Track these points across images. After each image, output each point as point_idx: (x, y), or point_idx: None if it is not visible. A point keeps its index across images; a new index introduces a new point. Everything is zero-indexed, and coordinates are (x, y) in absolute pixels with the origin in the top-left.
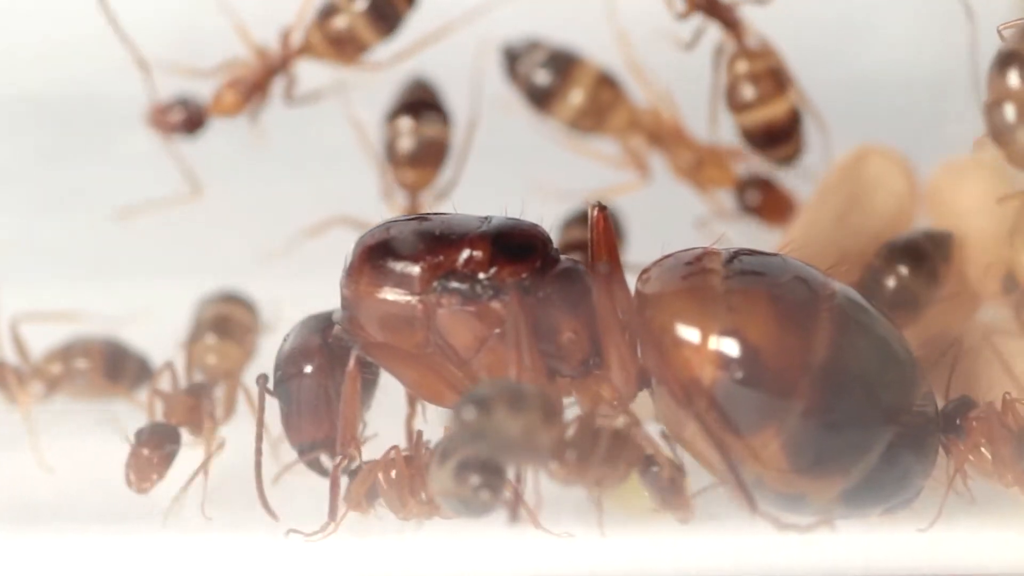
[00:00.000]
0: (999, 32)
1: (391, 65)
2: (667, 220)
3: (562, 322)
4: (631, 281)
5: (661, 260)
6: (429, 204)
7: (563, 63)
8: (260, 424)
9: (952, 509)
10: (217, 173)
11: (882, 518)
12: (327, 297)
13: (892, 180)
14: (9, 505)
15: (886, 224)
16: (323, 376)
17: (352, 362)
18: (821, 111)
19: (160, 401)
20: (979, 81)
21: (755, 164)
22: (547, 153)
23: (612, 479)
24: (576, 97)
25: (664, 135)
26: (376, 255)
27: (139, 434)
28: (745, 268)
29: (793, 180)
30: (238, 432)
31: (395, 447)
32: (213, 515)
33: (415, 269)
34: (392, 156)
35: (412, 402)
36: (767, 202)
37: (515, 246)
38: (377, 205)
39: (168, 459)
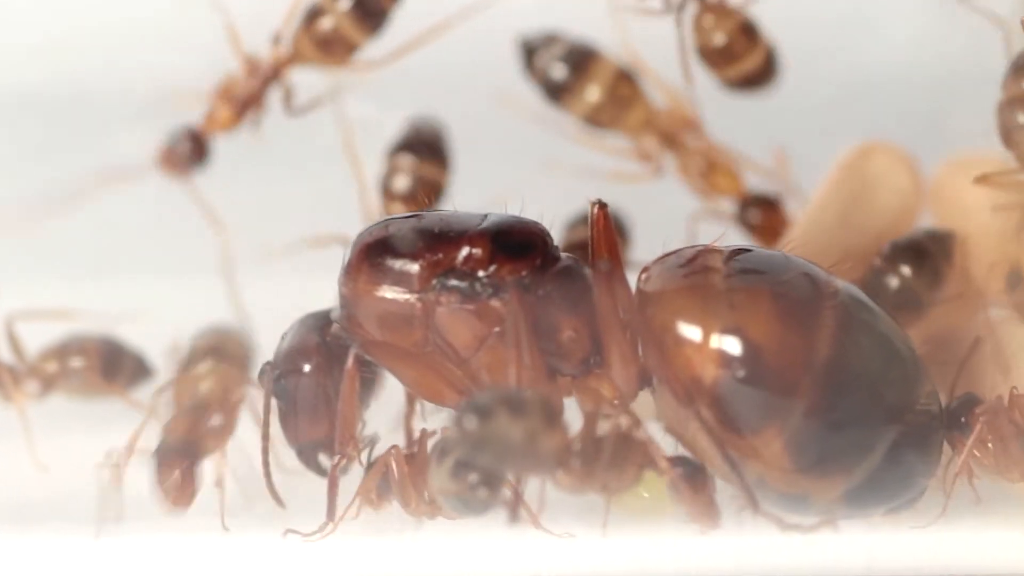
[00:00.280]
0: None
1: (383, 65)
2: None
3: (562, 320)
4: (632, 279)
5: (662, 258)
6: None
7: (581, 58)
8: (267, 411)
9: (957, 508)
10: (216, 172)
11: (885, 518)
12: (326, 295)
13: (896, 177)
14: (3, 505)
15: (890, 221)
16: (321, 375)
17: (350, 361)
18: (824, 108)
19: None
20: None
21: (763, 180)
22: (547, 151)
23: (621, 483)
24: (593, 93)
25: (679, 136)
26: (374, 253)
27: (159, 454)
28: (747, 266)
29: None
30: (238, 432)
31: (395, 446)
32: (211, 515)
33: (414, 267)
34: (386, 189)
35: (411, 401)
36: (766, 223)
37: (515, 244)
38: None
39: (196, 472)
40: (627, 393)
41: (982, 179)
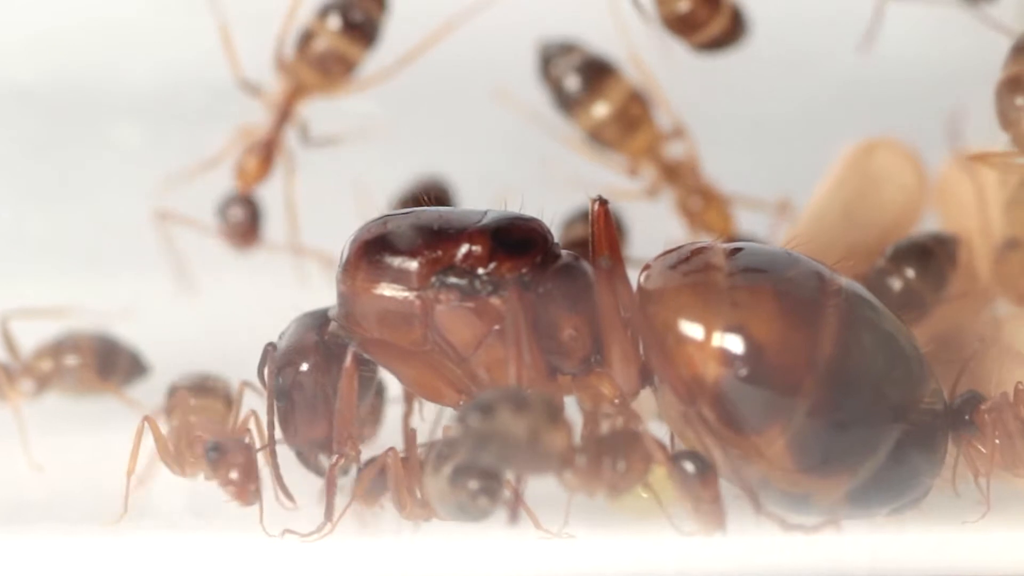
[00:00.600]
0: None
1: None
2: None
3: (563, 318)
4: (633, 277)
5: (663, 255)
6: None
7: (596, 72)
8: (271, 397)
9: (961, 508)
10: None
11: (889, 518)
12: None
13: (900, 173)
14: None
15: (894, 218)
16: (319, 374)
17: (349, 359)
18: (828, 104)
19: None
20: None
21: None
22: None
23: (627, 482)
24: (601, 109)
25: (679, 171)
26: (372, 250)
27: (213, 452)
28: (749, 263)
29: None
30: None
31: (391, 449)
32: (207, 515)
33: (412, 264)
34: None
35: (409, 400)
36: None
37: (515, 241)
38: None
39: (253, 465)
40: (628, 392)
41: (979, 158)
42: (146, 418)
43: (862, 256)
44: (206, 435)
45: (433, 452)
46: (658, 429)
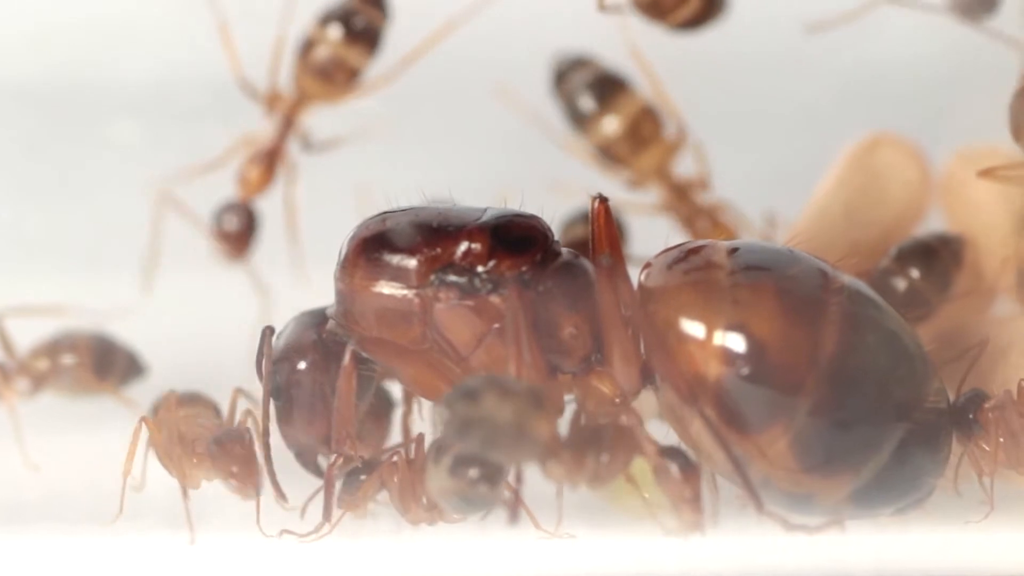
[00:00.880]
0: None
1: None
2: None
3: (563, 317)
4: (634, 275)
5: (664, 253)
6: None
7: (608, 87)
8: (267, 384)
9: (965, 508)
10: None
11: (893, 518)
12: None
13: (904, 169)
14: None
15: (898, 215)
16: (318, 373)
17: (347, 358)
18: (832, 99)
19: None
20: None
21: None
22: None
23: (610, 472)
24: (611, 124)
25: (688, 191)
26: (371, 248)
27: (214, 445)
28: (751, 261)
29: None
30: None
31: (397, 451)
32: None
33: (411, 262)
34: None
35: (408, 400)
36: None
37: (515, 238)
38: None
39: (253, 457)
40: (629, 391)
41: (986, 173)
42: (143, 419)
43: (865, 254)
44: (205, 432)
45: (432, 445)
46: (659, 429)
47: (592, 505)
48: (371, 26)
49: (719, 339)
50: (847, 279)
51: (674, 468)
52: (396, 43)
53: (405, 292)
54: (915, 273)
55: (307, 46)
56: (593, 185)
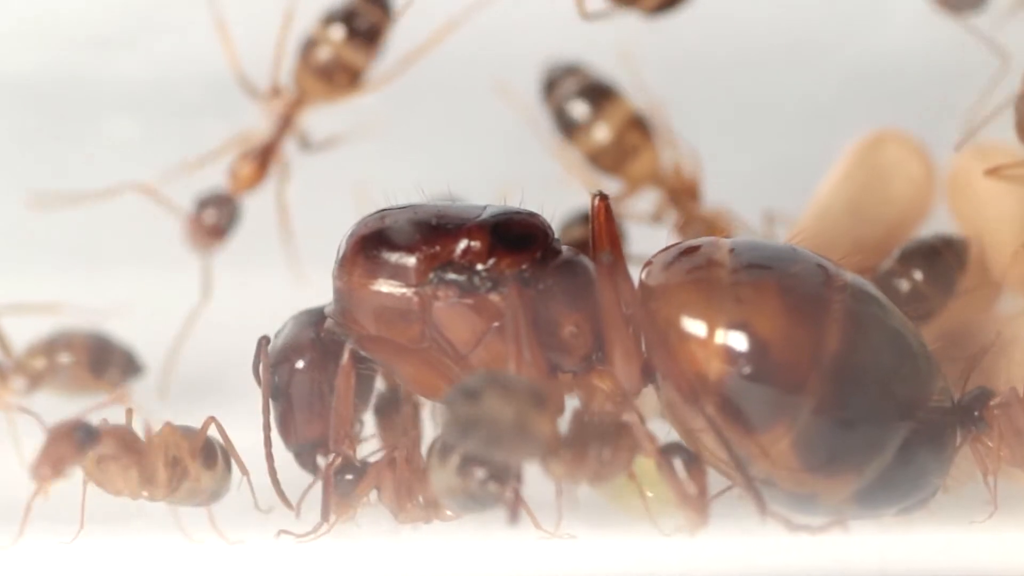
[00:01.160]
0: None
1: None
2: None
3: (563, 315)
4: (634, 273)
5: (666, 250)
6: None
7: (597, 94)
8: (266, 393)
9: (969, 508)
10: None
11: (897, 518)
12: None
13: (908, 166)
14: None
15: (902, 212)
16: (316, 372)
17: (346, 357)
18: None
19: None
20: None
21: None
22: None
23: (610, 471)
24: (600, 132)
25: (683, 195)
26: (370, 245)
27: None
28: (753, 259)
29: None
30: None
31: (396, 449)
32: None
33: (410, 260)
34: None
35: (407, 398)
36: None
37: (514, 236)
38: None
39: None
40: (630, 389)
41: (992, 172)
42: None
43: (869, 251)
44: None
45: (437, 446)
46: (660, 427)
47: (592, 505)
48: (374, 27)
49: (721, 337)
50: (850, 277)
51: (678, 464)
52: (396, 43)
53: (404, 290)
54: (918, 275)
55: (309, 45)
56: (593, 183)
